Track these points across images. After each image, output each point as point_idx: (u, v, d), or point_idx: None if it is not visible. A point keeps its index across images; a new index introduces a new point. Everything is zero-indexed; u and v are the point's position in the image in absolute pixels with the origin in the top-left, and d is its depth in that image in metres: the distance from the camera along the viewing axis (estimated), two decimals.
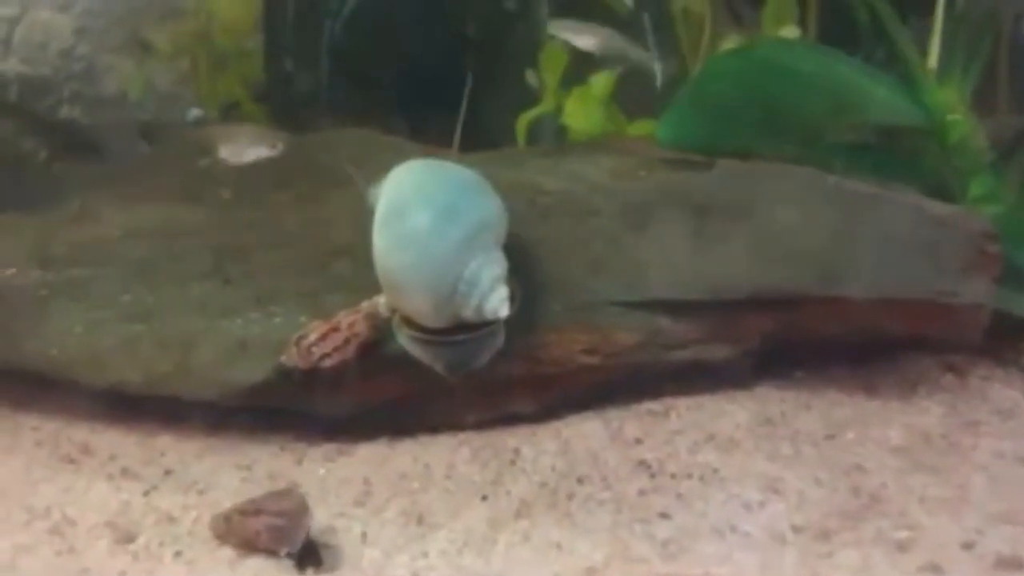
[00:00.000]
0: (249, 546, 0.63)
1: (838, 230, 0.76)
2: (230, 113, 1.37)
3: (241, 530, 0.64)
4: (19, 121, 1.34)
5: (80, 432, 0.85)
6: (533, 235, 0.78)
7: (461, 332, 0.74)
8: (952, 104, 0.94)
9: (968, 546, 0.66)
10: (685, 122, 0.81)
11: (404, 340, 0.75)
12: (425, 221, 0.73)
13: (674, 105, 0.82)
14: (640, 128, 1.10)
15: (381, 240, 0.75)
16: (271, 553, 0.64)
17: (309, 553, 0.61)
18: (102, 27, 1.38)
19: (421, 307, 0.74)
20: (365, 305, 0.76)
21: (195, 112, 1.25)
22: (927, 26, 1.05)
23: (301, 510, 0.63)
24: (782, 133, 0.80)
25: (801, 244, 0.76)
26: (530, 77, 1.15)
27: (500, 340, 0.75)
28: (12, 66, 1.37)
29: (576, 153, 0.85)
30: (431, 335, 0.74)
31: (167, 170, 1.02)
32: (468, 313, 0.73)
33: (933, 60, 1.00)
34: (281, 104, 1.34)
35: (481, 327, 0.74)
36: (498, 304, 0.73)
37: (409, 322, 0.75)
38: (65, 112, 1.38)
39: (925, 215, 0.76)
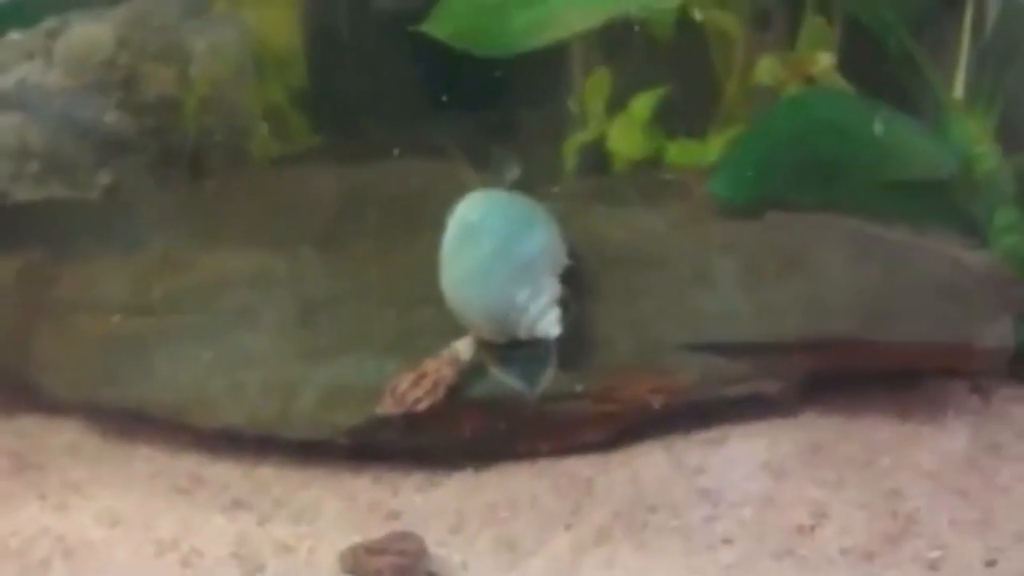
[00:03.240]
0: None
1: (879, 279, 0.84)
2: (270, 121, 1.43)
3: (366, 566, 0.73)
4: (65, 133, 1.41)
5: (188, 463, 0.94)
6: (603, 283, 0.87)
7: (521, 349, 0.85)
8: (978, 136, 1.01)
9: (991, 564, 0.76)
10: (739, 177, 0.88)
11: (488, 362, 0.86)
12: (480, 261, 0.85)
13: (728, 160, 0.89)
14: (679, 150, 1.17)
15: (446, 277, 0.87)
16: None
17: None
18: (143, 36, 1.42)
19: (484, 330, 0.87)
20: (446, 352, 0.85)
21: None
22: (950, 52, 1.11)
23: (420, 551, 0.72)
24: (828, 184, 0.87)
25: (845, 292, 0.84)
26: (571, 104, 1.22)
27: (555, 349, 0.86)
28: (55, 77, 1.41)
29: (636, 199, 0.93)
30: (497, 354, 0.86)
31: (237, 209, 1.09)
32: (523, 334, 0.85)
33: (958, 90, 1.07)
34: (323, 112, 1.40)
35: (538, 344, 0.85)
36: (548, 326, 0.85)
37: (482, 342, 0.87)
38: (109, 121, 1.43)
39: (959, 265, 0.84)
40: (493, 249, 0.85)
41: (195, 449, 0.95)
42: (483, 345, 0.86)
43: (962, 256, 0.87)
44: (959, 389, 0.93)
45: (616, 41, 1.20)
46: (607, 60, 1.21)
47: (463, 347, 0.84)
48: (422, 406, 0.82)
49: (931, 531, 0.78)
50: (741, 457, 0.86)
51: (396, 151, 1.09)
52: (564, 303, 0.86)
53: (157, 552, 0.84)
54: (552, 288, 0.85)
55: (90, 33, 1.43)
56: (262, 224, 1.03)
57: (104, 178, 1.42)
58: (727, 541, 0.78)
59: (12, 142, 1.40)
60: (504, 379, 0.85)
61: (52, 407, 1.02)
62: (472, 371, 0.85)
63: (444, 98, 1.29)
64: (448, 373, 0.83)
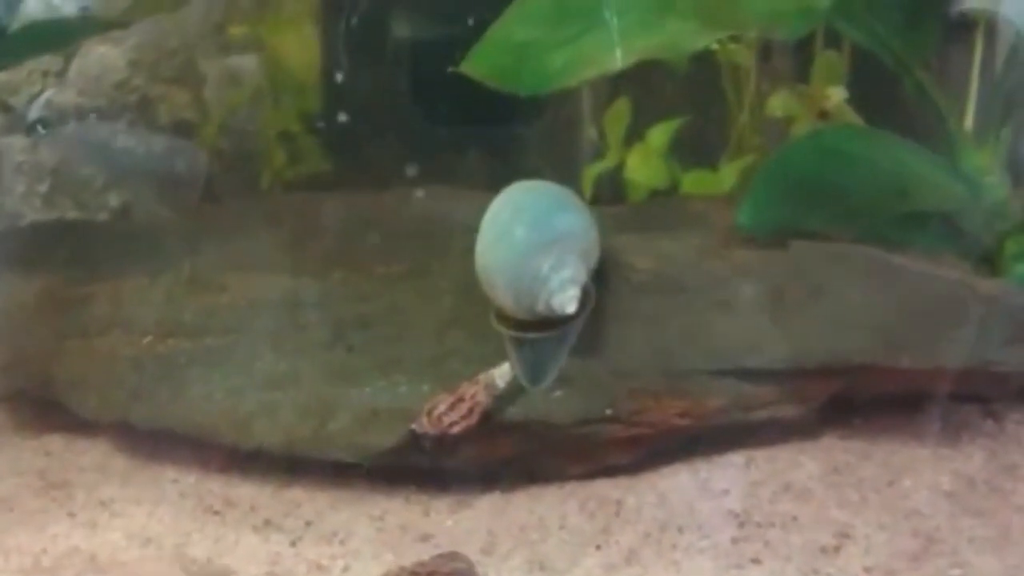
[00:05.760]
0: None
1: (897, 306, 0.86)
2: (283, 146, 1.44)
3: None
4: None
5: (217, 484, 0.95)
6: (630, 309, 0.90)
7: (536, 330, 0.87)
8: (988, 167, 1.05)
9: None
10: (762, 209, 0.91)
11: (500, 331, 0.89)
12: (509, 226, 0.88)
13: (751, 193, 0.92)
14: (693, 180, 1.20)
15: (480, 242, 0.90)
16: None
17: None
18: (155, 59, 1.44)
19: (506, 299, 0.89)
20: (482, 377, 0.87)
21: None
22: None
23: (470, 571, 0.73)
24: (847, 215, 0.91)
25: (866, 319, 0.86)
26: (590, 132, 1.25)
27: (569, 342, 0.87)
28: (69, 97, 1.43)
29: (659, 228, 0.95)
30: (514, 331, 0.88)
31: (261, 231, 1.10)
32: (540, 307, 0.87)
33: (969, 122, 1.10)
34: (336, 137, 1.41)
35: (553, 328, 0.87)
36: (564, 302, 0.87)
37: (500, 315, 0.89)
38: (121, 142, 1.44)
39: (974, 292, 0.87)
40: (526, 219, 0.88)
41: (223, 470, 0.96)
42: (504, 321, 0.88)
43: (975, 284, 0.91)
44: (974, 413, 0.95)
45: (631, 71, 1.23)
46: (622, 90, 1.25)
47: (500, 374, 0.86)
48: (457, 429, 0.84)
49: (951, 549, 0.81)
50: (765, 479, 0.87)
51: (420, 192, 1.12)
52: (586, 291, 0.88)
53: (193, 572, 0.85)
54: (576, 268, 0.87)
55: (103, 55, 1.45)
56: (287, 247, 1.05)
57: (114, 200, 1.44)
58: (755, 561, 0.80)
59: (23, 161, 1.42)
60: (513, 366, 0.87)
61: (78, 426, 1.03)
62: (507, 397, 0.87)
63: (455, 125, 1.33)
64: (484, 399, 0.85)
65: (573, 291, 0.87)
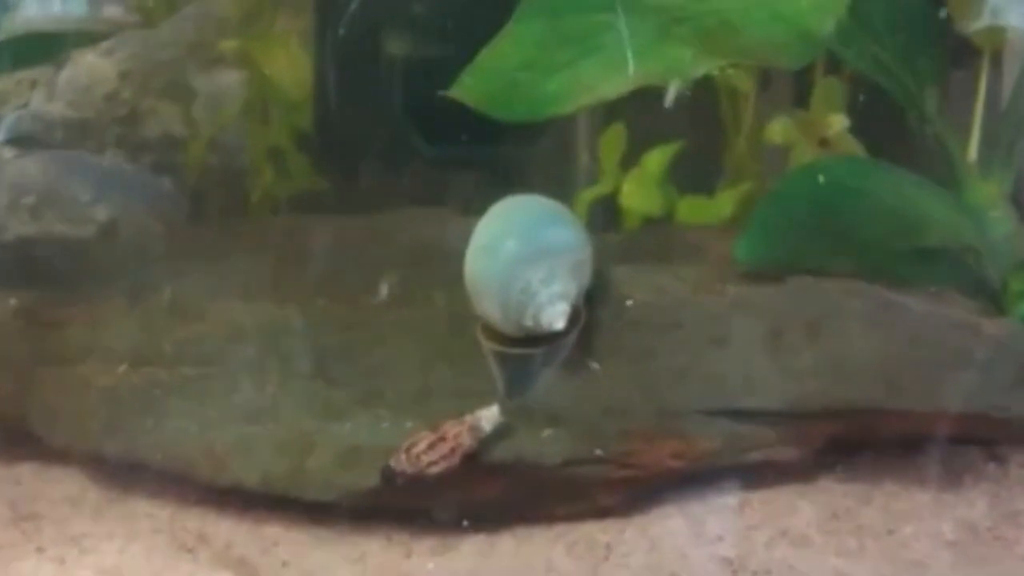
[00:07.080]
0: None
1: (899, 346, 0.83)
2: (273, 163, 1.42)
3: None
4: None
5: (192, 519, 0.91)
6: (623, 345, 0.86)
7: (522, 346, 0.85)
8: (994, 200, 1.02)
9: None
10: (760, 242, 0.88)
11: (484, 348, 0.86)
12: (499, 236, 0.86)
13: (749, 227, 0.89)
14: (690, 207, 1.17)
15: (470, 252, 0.87)
16: None
17: None
18: (145, 72, 1.41)
19: (493, 311, 0.86)
20: (469, 418, 0.84)
21: None
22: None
23: None
24: (848, 250, 0.87)
25: (866, 359, 0.83)
26: (583, 157, 1.22)
27: (556, 361, 0.85)
28: (58, 109, 1.40)
29: (655, 259, 0.93)
30: (499, 346, 0.85)
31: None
32: (528, 322, 0.84)
33: (972, 154, 1.07)
34: (326, 155, 1.39)
35: (540, 345, 0.84)
36: (553, 317, 0.83)
37: (486, 329, 0.86)
38: (109, 156, 1.42)
39: (980, 334, 0.84)
40: (517, 230, 0.86)
41: (199, 505, 0.92)
42: (491, 335, 0.85)
43: (980, 323, 0.88)
44: (977, 456, 0.92)
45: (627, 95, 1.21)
46: (618, 114, 1.22)
47: (487, 417, 0.83)
48: (435, 470, 0.80)
49: None
50: (761, 524, 0.84)
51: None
52: (576, 310, 0.85)
53: None
54: (566, 283, 0.84)
55: (93, 65, 1.42)
56: (270, 273, 1.02)
57: (100, 214, 1.41)
58: None
59: (9, 173, 1.39)
60: (495, 378, 0.84)
61: (50, 456, 0.99)
62: (492, 440, 0.83)
63: (447, 146, 1.30)
64: (467, 441, 0.81)
65: (562, 307, 0.84)
